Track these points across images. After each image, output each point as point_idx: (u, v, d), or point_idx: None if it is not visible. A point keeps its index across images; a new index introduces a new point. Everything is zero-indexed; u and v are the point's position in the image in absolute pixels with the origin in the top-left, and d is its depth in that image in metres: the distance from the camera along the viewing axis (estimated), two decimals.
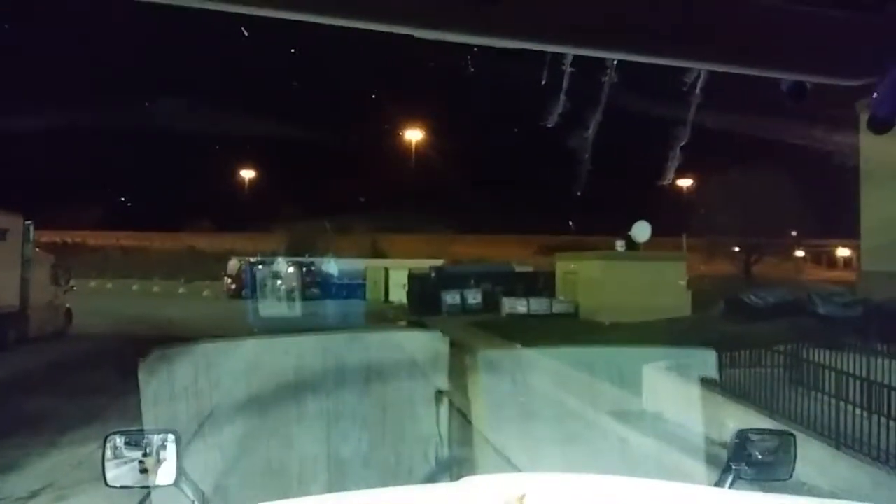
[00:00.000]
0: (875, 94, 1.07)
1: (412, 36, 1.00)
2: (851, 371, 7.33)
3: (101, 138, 40.94)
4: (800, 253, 41.73)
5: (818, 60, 1.08)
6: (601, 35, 1.02)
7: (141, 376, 8.43)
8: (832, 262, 48.76)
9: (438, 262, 34.23)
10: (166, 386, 9.53)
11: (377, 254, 44.01)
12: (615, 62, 1.22)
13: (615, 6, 1.00)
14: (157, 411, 7.80)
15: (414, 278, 30.61)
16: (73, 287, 22.24)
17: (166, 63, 38.51)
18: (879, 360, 7.19)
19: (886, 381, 6.88)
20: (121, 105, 35.53)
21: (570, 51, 1.10)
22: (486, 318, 24.53)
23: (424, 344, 16.03)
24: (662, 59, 1.05)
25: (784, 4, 1.02)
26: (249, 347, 15.99)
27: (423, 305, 26.97)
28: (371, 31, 0.99)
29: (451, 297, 27.78)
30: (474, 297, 28.22)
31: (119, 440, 2.11)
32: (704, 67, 1.14)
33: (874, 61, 1.04)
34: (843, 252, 46.35)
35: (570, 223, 38.14)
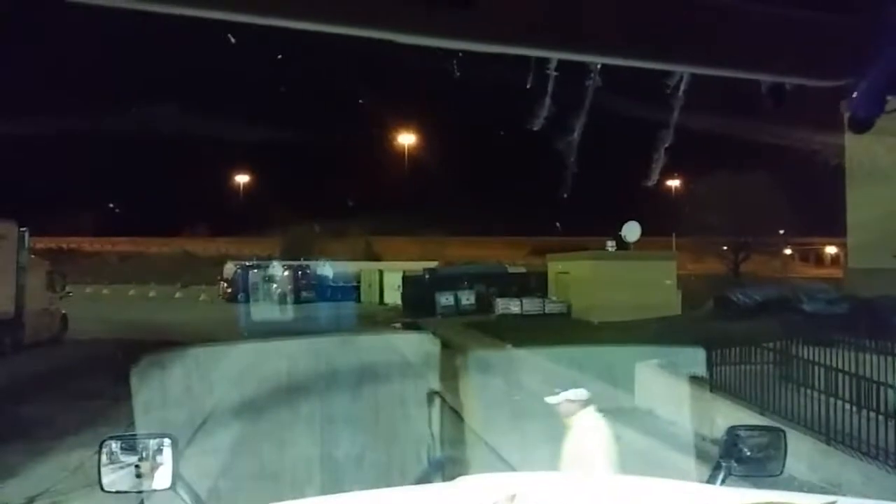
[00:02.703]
0: (854, 95, 1.10)
1: (400, 41, 1.02)
2: (841, 367, 7.39)
3: (96, 144, 40.85)
4: (788, 251, 41.97)
5: (797, 63, 1.10)
6: (580, 37, 1.04)
7: (133, 381, 8.39)
8: (820, 260, 49.11)
9: (432, 264, 34.21)
10: (158, 391, 9.49)
11: (371, 256, 44.00)
12: (598, 65, 1.23)
13: (594, 8, 1.02)
14: (149, 416, 7.78)
15: (408, 280, 30.60)
16: (68, 293, 22.13)
17: (161, 70, 38.49)
18: (868, 356, 7.25)
19: (875, 377, 6.95)
20: (115, 111, 35.44)
21: (548, 54, 1.12)
22: (479, 318, 24.58)
23: (417, 345, 16.02)
24: (642, 61, 1.07)
25: (763, 7, 1.05)
26: (243, 351, 15.93)
27: (418, 307, 26.97)
28: (362, 37, 1.01)
29: (445, 299, 27.80)
30: (468, 299, 28.24)
31: (115, 445, 2.11)
32: (684, 70, 1.16)
33: (852, 63, 1.07)
34: (830, 250, 46.71)
35: (557, 224, 38.36)
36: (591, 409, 3.85)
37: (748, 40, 1.06)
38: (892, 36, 1.02)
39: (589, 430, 3.72)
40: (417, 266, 32.55)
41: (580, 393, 3.86)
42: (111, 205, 47.58)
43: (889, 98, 1.08)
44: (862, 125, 1.10)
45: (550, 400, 3.86)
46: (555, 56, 1.12)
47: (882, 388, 6.79)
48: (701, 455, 6.55)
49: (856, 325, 10.68)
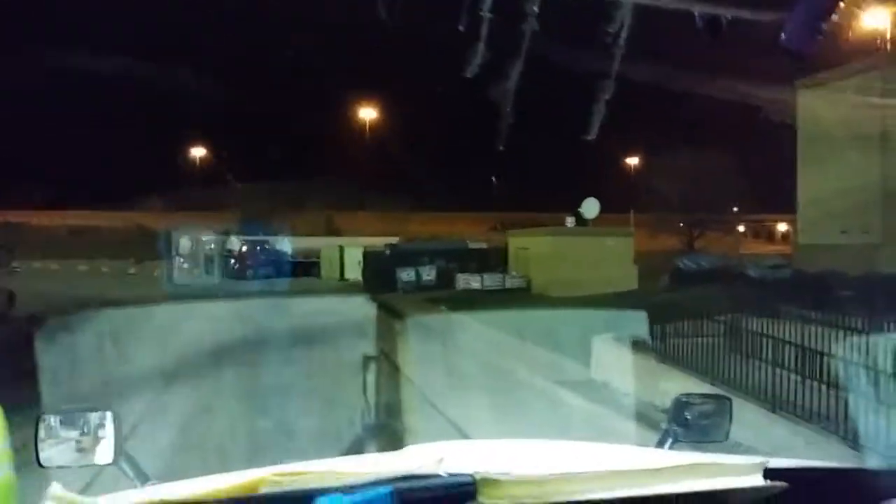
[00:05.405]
0: (785, 29, 1.10)
1: (362, 9, 0.98)
2: (787, 339, 7.68)
3: (44, 113, 39.18)
4: (741, 227, 43.23)
5: None
6: None
7: (40, 346, 8.05)
8: (771, 236, 50.92)
9: (393, 240, 34.09)
10: (67, 358, 9.19)
11: (332, 231, 43.62)
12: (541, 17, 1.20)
13: None
14: (62, 385, 7.53)
15: (369, 256, 30.44)
16: (16, 268, 21.42)
17: (112, 32, 36.93)
18: (813, 328, 7.55)
19: (819, 348, 7.25)
20: (63, 79, 33.89)
21: None
22: (440, 293, 24.66)
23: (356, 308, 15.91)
24: None
25: None
26: (165, 314, 15.57)
27: (379, 283, 26.87)
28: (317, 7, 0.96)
29: (406, 274, 27.75)
30: (429, 274, 28.26)
31: (53, 420, 2.02)
32: None
33: None
34: (781, 226, 48.38)
35: (493, 178, 37.97)
36: None
37: None
38: None
39: None
40: (379, 242, 32.38)
41: None
42: (61, 177, 45.93)
43: (823, 27, 1.09)
44: (797, 55, 1.11)
45: None
46: None
47: (824, 358, 7.08)
48: (652, 423, 6.73)
49: (802, 299, 11.10)
